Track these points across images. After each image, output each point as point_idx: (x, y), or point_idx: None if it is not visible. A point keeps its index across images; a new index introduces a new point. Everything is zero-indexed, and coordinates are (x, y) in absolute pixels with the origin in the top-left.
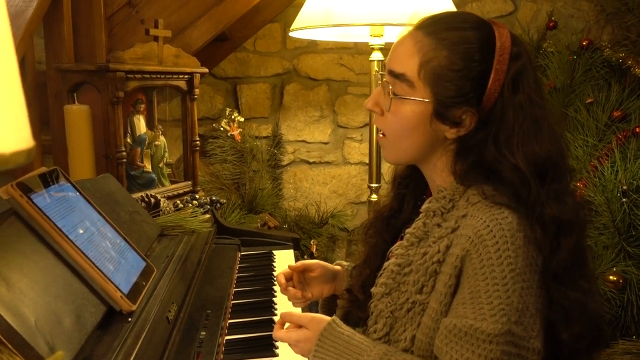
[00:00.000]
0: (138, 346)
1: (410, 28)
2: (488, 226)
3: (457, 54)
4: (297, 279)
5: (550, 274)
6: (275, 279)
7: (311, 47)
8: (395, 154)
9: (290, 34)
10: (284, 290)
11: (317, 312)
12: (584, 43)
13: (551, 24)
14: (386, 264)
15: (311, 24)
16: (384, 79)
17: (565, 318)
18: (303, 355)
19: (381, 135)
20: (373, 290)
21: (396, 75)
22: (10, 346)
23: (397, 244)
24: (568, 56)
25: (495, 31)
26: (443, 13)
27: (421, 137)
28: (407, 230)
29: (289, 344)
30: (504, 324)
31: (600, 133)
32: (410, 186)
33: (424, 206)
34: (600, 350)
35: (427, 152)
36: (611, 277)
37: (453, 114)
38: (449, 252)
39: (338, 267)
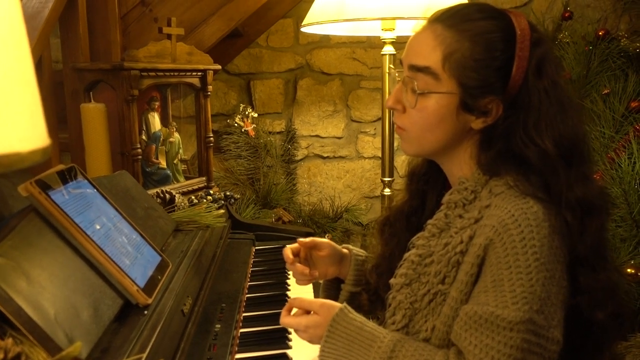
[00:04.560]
0: (154, 338)
1: (423, 22)
2: (513, 215)
3: (480, 45)
4: (304, 255)
5: (578, 259)
6: (289, 273)
7: (324, 41)
8: (417, 147)
9: (302, 29)
10: (291, 265)
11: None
12: (600, 33)
13: (567, 14)
14: (406, 254)
15: (323, 18)
16: (405, 75)
17: (598, 300)
18: (312, 342)
19: (401, 130)
20: (392, 281)
21: (419, 69)
22: (31, 338)
23: (418, 235)
24: (584, 47)
25: (513, 19)
26: (458, 5)
27: (447, 129)
28: (429, 222)
29: (297, 330)
30: (526, 312)
31: (617, 124)
32: (430, 182)
33: (446, 197)
34: (620, 339)
35: (451, 144)
36: (629, 270)
37: (479, 104)
38: (471, 242)
39: (345, 251)
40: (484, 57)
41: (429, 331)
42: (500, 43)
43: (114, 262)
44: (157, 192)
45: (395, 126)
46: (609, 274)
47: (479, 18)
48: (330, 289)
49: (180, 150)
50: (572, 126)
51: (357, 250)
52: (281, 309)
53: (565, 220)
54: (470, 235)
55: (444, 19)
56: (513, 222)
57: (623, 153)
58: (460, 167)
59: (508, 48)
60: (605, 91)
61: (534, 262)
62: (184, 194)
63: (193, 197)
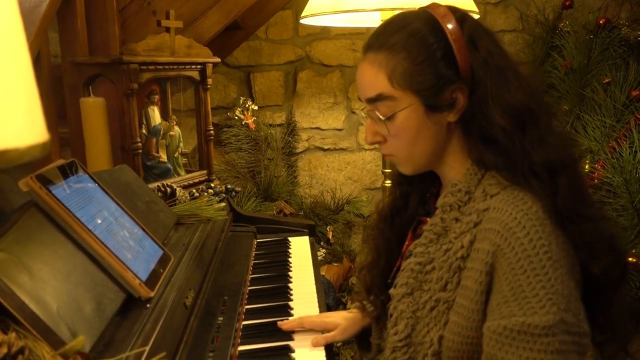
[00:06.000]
0: (157, 331)
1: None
2: (515, 218)
3: (414, 47)
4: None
5: (561, 217)
6: (291, 265)
7: (323, 33)
8: (412, 166)
9: (302, 21)
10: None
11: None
12: (601, 22)
13: (567, 3)
14: (405, 263)
15: (322, 10)
16: (367, 110)
17: (590, 252)
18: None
19: (391, 156)
20: (392, 291)
21: (374, 99)
22: (34, 332)
23: (415, 242)
24: (585, 35)
25: (430, 11)
26: (378, 28)
27: (428, 136)
28: (425, 227)
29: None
30: (555, 313)
31: (618, 113)
32: (413, 183)
33: (440, 201)
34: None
35: (439, 148)
36: (630, 259)
37: (443, 99)
38: (473, 247)
39: (353, 315)
40: (424, 56)
41: (435, 343)
42: (430, 36)
43: (115, 256)
44: (158, 185)
45: (385, 156)
46: (595, 224)
47: (399, 28)
48: (362, 342)
49: (181, 144)
50: (515, 91)
51: (367, 304)
52: (283, 300)
53: (539, 188)
54: (471, 239)
55: (371, 45)
56: (517, 224)
57: (624, 142)
58: (453, 169)
59: (440, 37)
60: (606, 80)
61: (547, 261)
62: (185, 187)
63: (194, 191)
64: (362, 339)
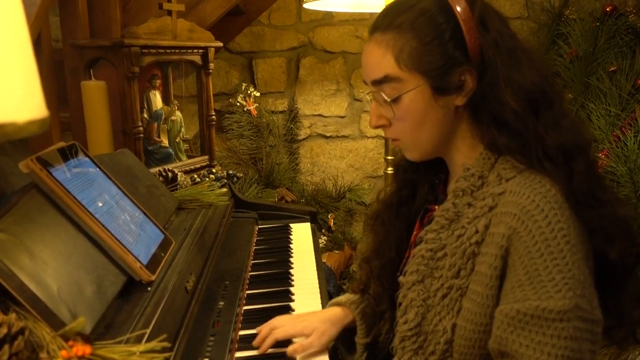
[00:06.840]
0: (157, 314)
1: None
2: (534, 201)
3: (423, 27)
4: None
5: (577, 201)
6: (292, 251)
7: (326, 19)
8: (419, 151)
9: (305, 5)
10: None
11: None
12: (608, 9)
13: None
14: (415, 250)
15: None
16: (373, 92)
17: (607, 237)
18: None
19: (396, 141)
20: (402, 279)
21: (380, 81)
22: (34, 313)
23: (426, 228)
24: (591, 23)
25: None
26: (386, 7)
27: (435, 120)
28: (436, 213)
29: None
30: (571, 298)
31: (624, 102)
32: (420, 170)
33: (452, 186)
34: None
35: (447, 133)
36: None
37: (451, 81)
38: (488, 231)
39: (331, 315)
40: (432, 36)
41: (448, 331)
42: (439, 16)
43: (116, 239)
44: (159, 170)
45: (390, 140)
46: (612, 208)
47: (408, 7)
48: (345, 341)
49: (182, 129)
50: (527, 72)
51: (350, 298)
52: (284, 286)
53: (551, 172)
54: (486, 224)
55: (379, 25)
56: (535, 207)
57: (629, 131)
58: (463, 154)
59: (449, 17)
60: (612, 68)
61: (565, 246)
62: (186, 172)
63: (195, 176)
64: (344, 339)
